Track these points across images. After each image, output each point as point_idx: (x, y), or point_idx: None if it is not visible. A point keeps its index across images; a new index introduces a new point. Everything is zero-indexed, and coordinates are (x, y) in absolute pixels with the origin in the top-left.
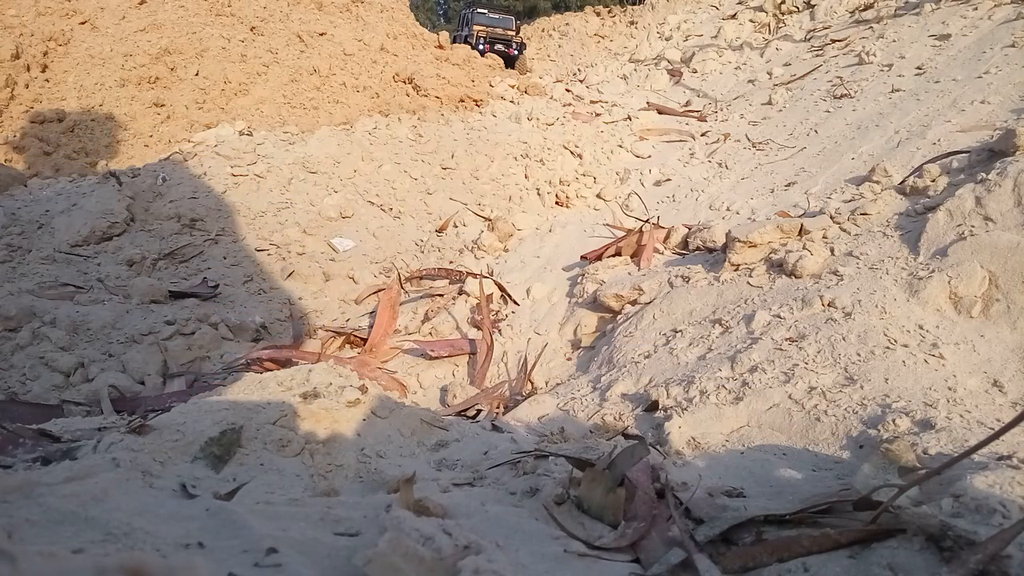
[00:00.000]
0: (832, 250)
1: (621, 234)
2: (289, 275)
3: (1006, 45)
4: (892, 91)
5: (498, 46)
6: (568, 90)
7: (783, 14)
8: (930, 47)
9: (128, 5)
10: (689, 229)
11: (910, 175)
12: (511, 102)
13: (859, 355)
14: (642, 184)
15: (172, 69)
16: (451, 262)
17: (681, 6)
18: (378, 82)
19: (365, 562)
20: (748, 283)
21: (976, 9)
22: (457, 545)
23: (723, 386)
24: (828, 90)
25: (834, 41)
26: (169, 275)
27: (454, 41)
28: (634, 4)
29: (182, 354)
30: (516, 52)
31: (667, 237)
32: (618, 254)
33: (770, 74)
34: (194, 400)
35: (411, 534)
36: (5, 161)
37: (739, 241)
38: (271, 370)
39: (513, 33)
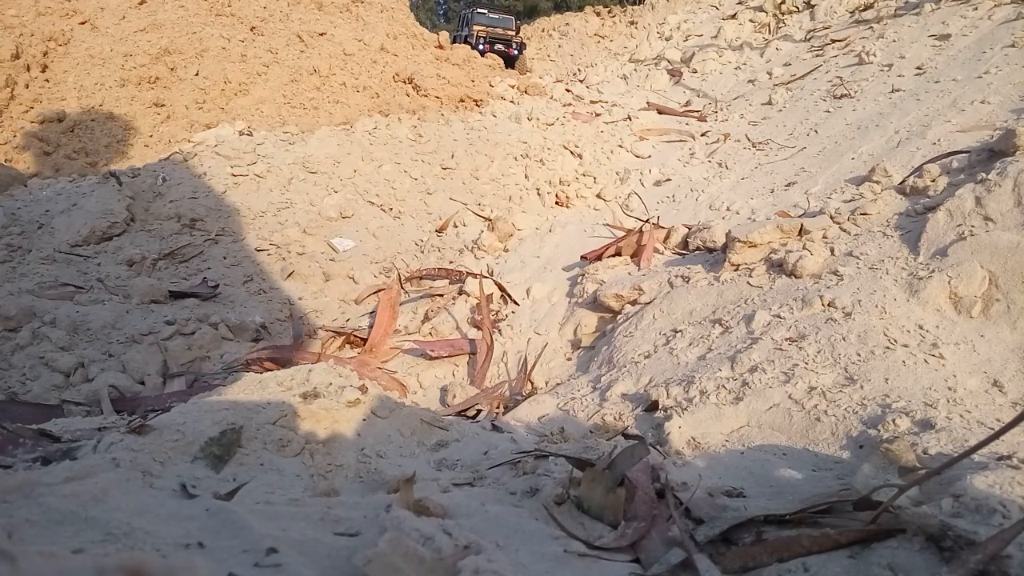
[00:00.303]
0: (832, 250)
1: (621, 234)
2: (289, 275)
3: (1006, 45)
4: (892, 91)
5: (498, 46)
6: (568, 90)
7: (783, 14)
8: (930, 47)
9: (128, 5)
10: (689, 229)
11: (910, 175)
12: (511, 102)
13: (859, 355)
14: (642, 184)
15: (172, 69)
16: (451, 262)
17: (681, 6)
18: (378, 82)
19: (365, 562)
20: (748, 283)
21: (976, 9)
22: (457, 545)
23: (723, 386)
24: (828, 90)
25: (834, 41)
26: (169, 275)
27: (454, 41)
28: (634, 4)
29: (182, 354)
30: (516, 52)
31: (667, 237)
32: (618, 254)
33: (770, 74)
34: (194, 400)
35: (411, 534)
36: (5, 161)
37: (739, 241)
38: (271, 370)
39: (513, 33)
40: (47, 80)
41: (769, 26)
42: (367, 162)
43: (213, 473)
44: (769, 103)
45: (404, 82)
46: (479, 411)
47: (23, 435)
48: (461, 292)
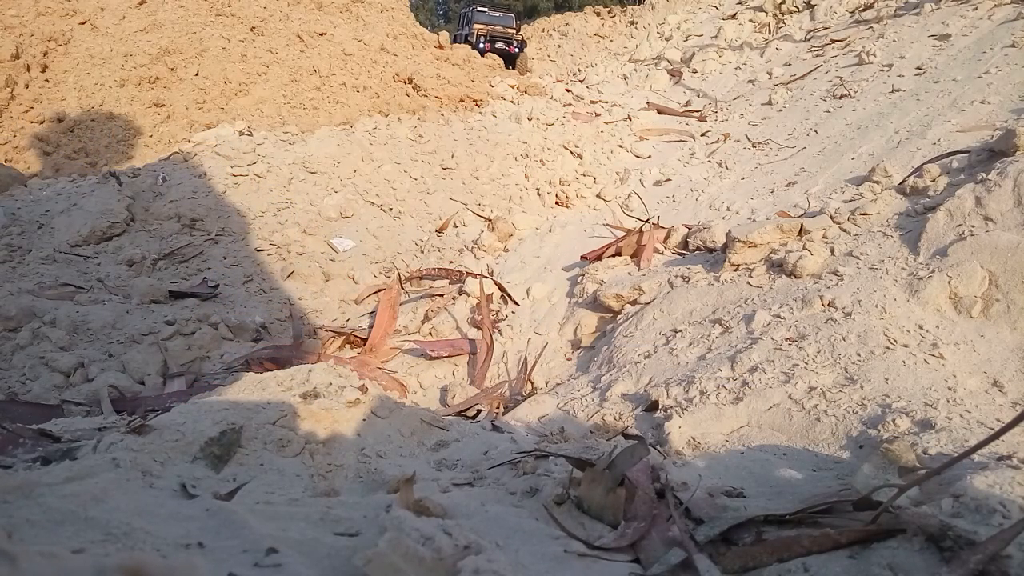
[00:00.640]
0: (832, 250)
1: (621, 234)
2: (289, 275)
3: (1006, 45)
4: (892, 91)
5: (499, 44)
6: (568, 90)
7: (783, 14)
8: (930, 47)
9: (128, 5)
10: (689, 229)
11: (910, 175)
12: (511, 102)
13: (859, 355)
14: (642, 184)
15: (172, 69)
16: (451, 262)
17: (681, 6)
18: (378, 82)
19: (365, 562)
20: (748, 283)
21: (976, 9)
22: (457, 545)
23: (723, 386)
24: (828, 90)
25: (834, 41)
26: (169, 275)
27: (455, 40)
28: (634, 4)
29: (182, 354)
30: (517, 50)
31: (667, 237)
32: (618, 254)
33: (770, 74)
34: (194, 400)
35: (411, 534)
36: (5, 161)
37: (739, 241)
38: (271, 370)
39: (514, 31)
40: (47, 80)
41: (769, 26)
42: (367, 162)
43: (213, 473)
44: (769, 103)
45: (404, 82)
46: (479, 411)
47: (23, 435)
48: (461, 292)
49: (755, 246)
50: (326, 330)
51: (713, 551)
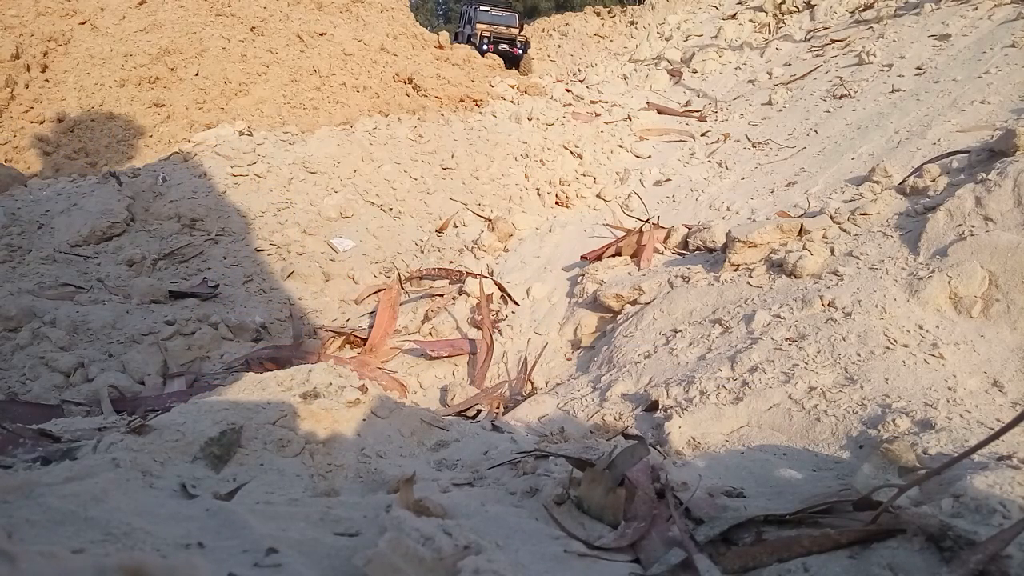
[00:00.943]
0: (832, 250)
1: (621, 234)
2: (289, 275)
3: (1006, 45)
4: (892, 91)
5: (502, 46)
6: (568, 90)
7: (783, 14)
8: (930, 47)
9: (128, 5)
10: (689, 229)
11: (910, 175)
12: (511, 102)
13: (859, 355)
14: (642, 184)
15: (172, 69)
16: (451, 262)
17: (681, 6)
18: (378, 82)
19: (365, 562)
20: (748, 283)
21: (976, 9)
22: (457, 545)
23: (723, 386)
24: (828, 90)
25: (834, 41)
26: (169, 275)
27: (456, 39)
28: (634, 4)
29: (182, 354)
30: (520, 51)
31: (667, 237)
32: (618, 254)
33: (770, 74)
34: (194, 400)
35: (411, 534)
36: (5, 161)
37: (739, 241)
38: (271, 370)
39: (517, 31)
40: (47, 80)
41: (769, 26)
42: (367, 162)
43: (213, 473)
44: (769, 103)
45: (404, 82)
46: (479, 411)
47: (23, 435)
48: (461, 292)
49: (755, 246)
50: (326, 330)
51: (713, 551)
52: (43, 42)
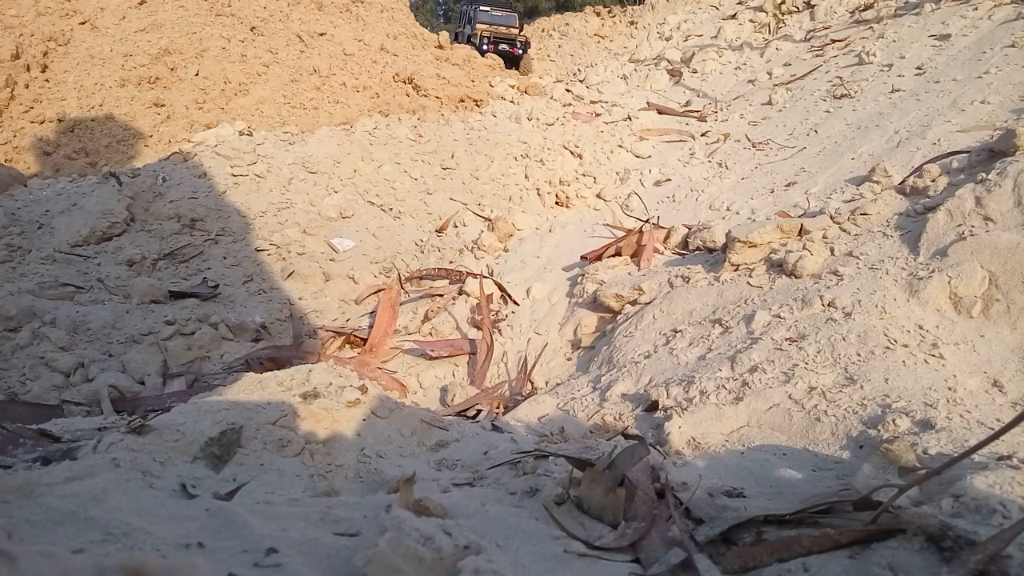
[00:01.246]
0: (832, 250)
1: (621, 234)
2: (289, 275)
3: (1006, 45)
4: (892, 91)
5: (503, 46)
6: (568, 90)
7: (783, 14)
8: (930, 47)
9: (128, 5)
10: (689, 229)
11: (910, 175)
12: (511, 102)
13: (859, 355)
14: (642, 184)
15: (172, 69)
16: (451, 262)
17: (681, 6)
18: (378, 82)
19: (365, 562)
20: (748, 283)
21: (976, 9)
22: (457, 545)
23: (723, 386)
24: (828, 90)
25: (834, 41)
26: (169, 275)
27: (456, 39)
28: (634, 4)
29: (182, 354)
30: (521, 52)
31: (667, 237)
32: (618, 254)
33: (770, 74)
34: (194, 400)
35: (411, 534)
36: (5, 161)
37: (739, 241)
38: (271, 370)
39: (517, 31)
40: (47, 80)
41: (769, 26)
42: (367, 162)
43: (213, 473)
44: (769, 103)
45: (404, 82)
46: (479, 411)
47: (23, 435)
48: (461, 292)
49: (755, 246)
50: (326, 330)
51: (713, 551)
52: (43, 42)
